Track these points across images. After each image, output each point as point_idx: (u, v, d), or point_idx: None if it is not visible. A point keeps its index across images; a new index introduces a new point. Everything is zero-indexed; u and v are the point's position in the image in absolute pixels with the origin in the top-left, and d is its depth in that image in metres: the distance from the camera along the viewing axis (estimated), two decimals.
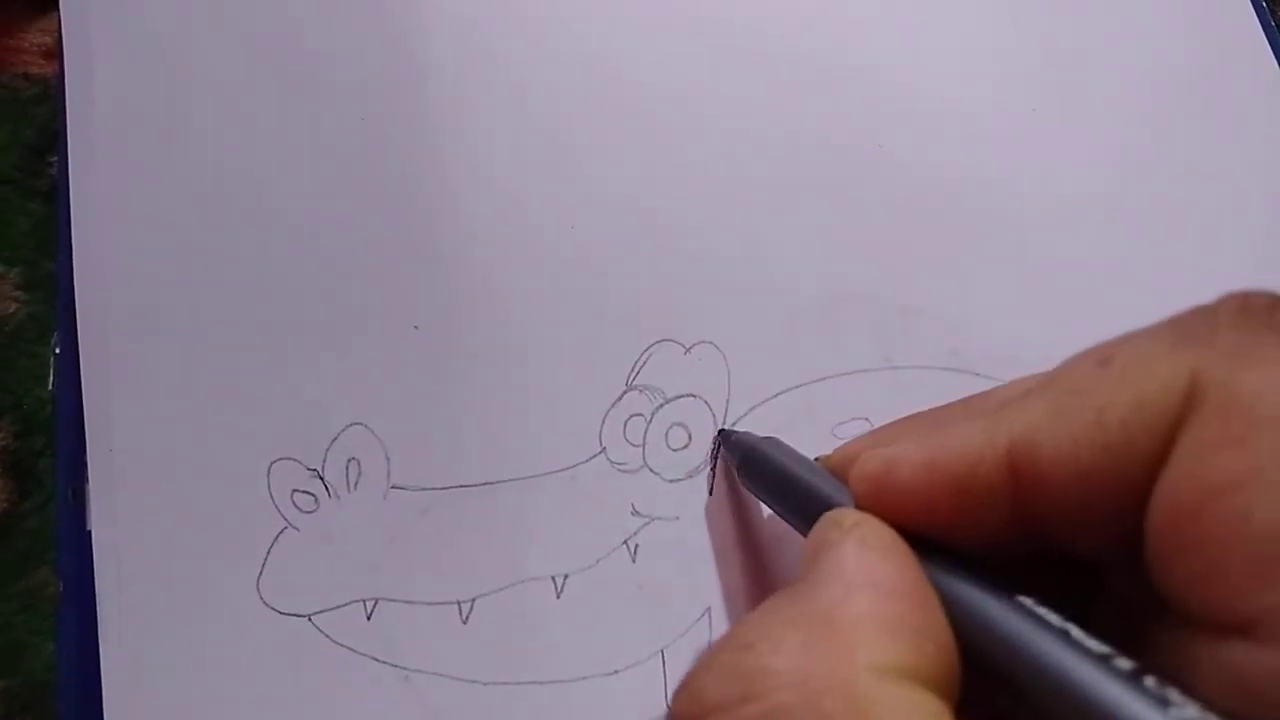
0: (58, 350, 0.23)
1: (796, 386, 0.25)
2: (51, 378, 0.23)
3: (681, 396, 0.24)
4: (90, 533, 0.21)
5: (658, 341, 0.25)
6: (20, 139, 0.25)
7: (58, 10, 0.25)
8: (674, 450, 0.24)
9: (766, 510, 0.24)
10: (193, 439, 0.22)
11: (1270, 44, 0.32)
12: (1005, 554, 0.15)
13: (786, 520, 0.20)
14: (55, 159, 0.24)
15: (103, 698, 0.21)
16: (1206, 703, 0.12)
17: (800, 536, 0.18)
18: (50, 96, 0.25)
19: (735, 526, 0.24)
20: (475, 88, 0.26)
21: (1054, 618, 0.13)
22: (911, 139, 0.28)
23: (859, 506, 0.16)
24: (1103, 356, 0.14)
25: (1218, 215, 0.30)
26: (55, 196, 0.24)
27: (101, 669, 0.21)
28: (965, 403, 0.18)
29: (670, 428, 0.24)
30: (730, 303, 0.26)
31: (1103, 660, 0.12)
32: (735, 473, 0.24)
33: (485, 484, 0.23)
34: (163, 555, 0.21)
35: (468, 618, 0.22)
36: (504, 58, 0.26)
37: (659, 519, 0.24)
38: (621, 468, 0.24)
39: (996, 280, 0.28)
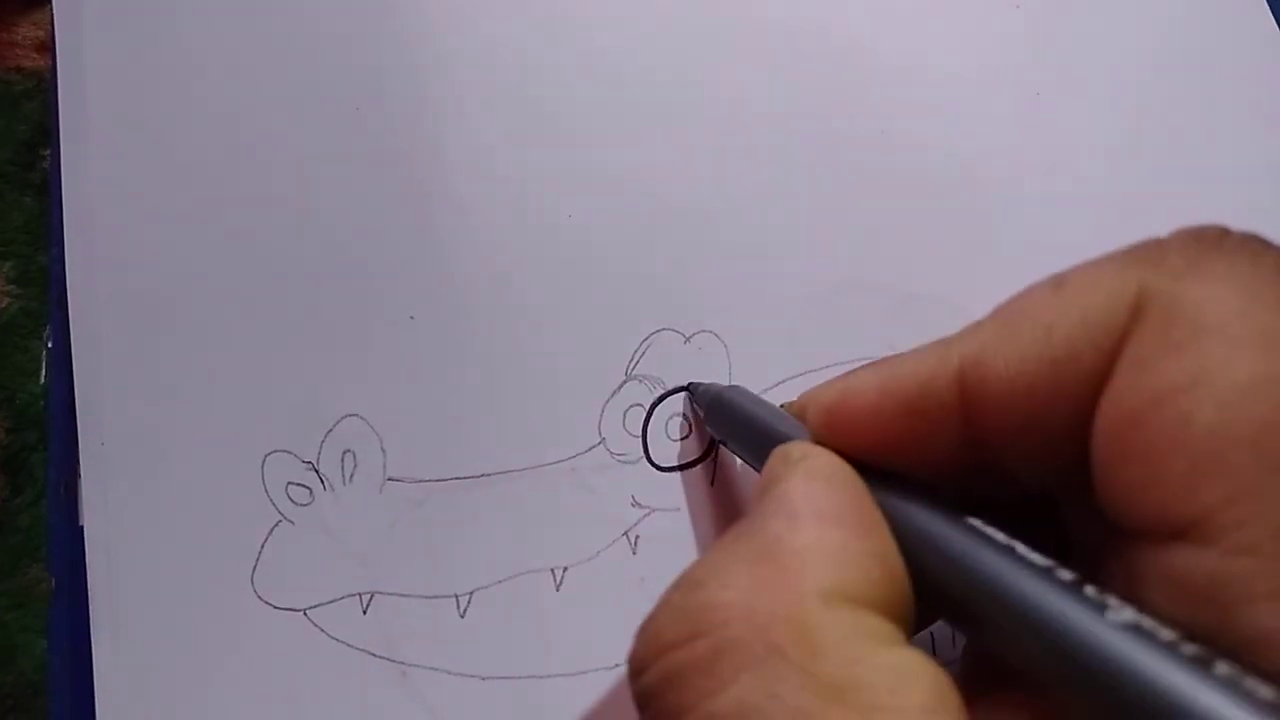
0: (50, 344, 0.22)
1: (799, 375, 0.25)
2: (44, 372, 0.23)
3: (682, 387, 0.24)
4: (82, 528, 0.21)
5: (657, 331, 0.25)
6: (13, 133, 0.25)
7: (50, 4, 0.25)
8: (674, 440, 0.24)
9: None
10: (186, 432, 0.22)
11: (1277, 27, 0.32)
12: (962, 487, 0.15)
13: (752, 465, 0.20)
14: (48, 153, 0.24)
15: (95, 695, 0.20)
16: (1144, 607, 0.12)
17: None
18: (43, 90, 0.25)
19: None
20: (472, 76, 0.26)
21: (999, 535, 0.14)
22: (914, 125, 0.28)
23: (816, 441, 0.16)
24: (1058, 280, 0.15)
25: (1221, 198, 0.29)
26: (48, 190, 0.23)
27: (94, 666, 0.20)
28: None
29: (670, 417, 0.24)
30: (731, 291, 0.25)
31: (1045, 572, 0.13)
32: (704, 422, 0.23)
33: (483, 475, 0.23)
34: (156, 550, 0.21)
35: (465, 611, 0.22)
36: (501, 44, 0.26)
37: (660, 510, 0.23)
38: (621, 458, 0.23)
39: (1000, 266, 0.27)
